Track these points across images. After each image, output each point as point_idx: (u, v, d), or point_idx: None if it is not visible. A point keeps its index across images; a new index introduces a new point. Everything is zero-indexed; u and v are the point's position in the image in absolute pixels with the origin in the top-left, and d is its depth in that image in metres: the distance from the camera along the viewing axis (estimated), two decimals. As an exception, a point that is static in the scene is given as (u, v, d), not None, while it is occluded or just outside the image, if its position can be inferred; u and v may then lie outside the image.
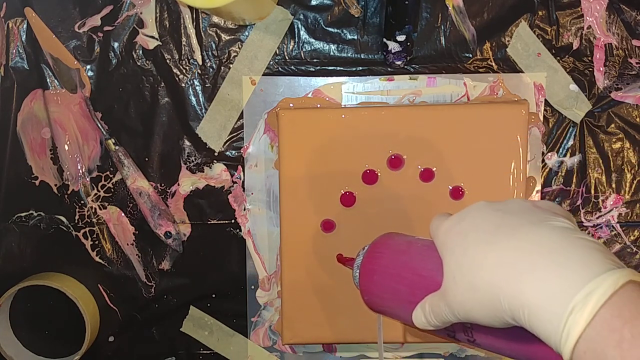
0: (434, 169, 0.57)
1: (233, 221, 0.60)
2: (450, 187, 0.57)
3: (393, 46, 0.56)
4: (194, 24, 0.58)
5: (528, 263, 0.32)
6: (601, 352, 0.30)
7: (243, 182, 0.60)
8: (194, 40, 0.58)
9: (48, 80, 0.58)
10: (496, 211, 0.36)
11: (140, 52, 0.58)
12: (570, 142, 0.59)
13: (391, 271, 0.41)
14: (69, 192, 0.60)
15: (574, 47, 0.57)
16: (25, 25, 0.58)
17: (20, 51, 0.58)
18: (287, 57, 0.58)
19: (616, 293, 0.30)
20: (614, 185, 0.59)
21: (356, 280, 0.44)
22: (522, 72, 0.58)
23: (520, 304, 0.32)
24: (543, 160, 0.59)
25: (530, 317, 0.32)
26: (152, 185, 0.59)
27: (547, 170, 0.59)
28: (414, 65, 0.58)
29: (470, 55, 0.58)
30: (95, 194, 0.60)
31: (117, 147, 0.58)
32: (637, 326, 0.30)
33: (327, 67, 0.58)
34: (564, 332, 0.30)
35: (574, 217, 0.59)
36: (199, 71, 0.58)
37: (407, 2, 0.54)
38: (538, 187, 0.59)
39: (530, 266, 0.32)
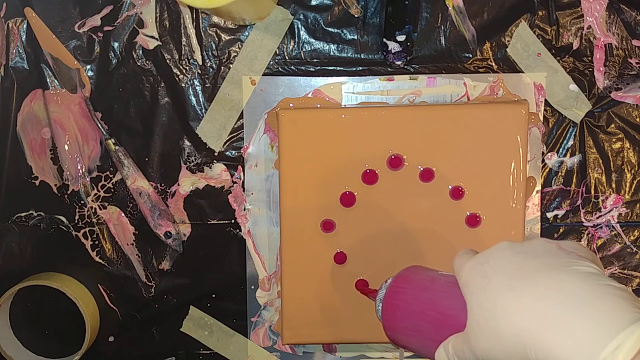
0: (434, 169, 0.57)
1: (233, 221, 0.60)
2: (450, 187, 0.57)
3: (393, 46, 0.56)
4: (194, 24, 0.58)
5: (552, 313, 0.32)
6: None
7: (243, 182, 0.60)
8: (194, 40, 0.58)
9: (48, 80, 0.58)
10: (518, 253, 0.35)
11: (140, 52, 0.58)
12: (570, 142, 0.59)
13: (415, 308, 0.40)
14: (69, 192, 0.60)
15: (574, 47, 0.57)
16: (25, 25, 0.58)
17: (20, 51, 0.58)
18: (287, 57, 0.58)
19: None
20: (614, 185, 0.59)
21: (379, 314, 0.43)
22: (522, 72, 0.58)
23: (546, 356, 0.31)
24: (543, 160, 0.59)
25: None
26: (152, 185, 0.59)
27: (547, 170, 0.59)
28: (414, 65, 0.58)
29: (470, 55, 0.58)
30: (95, 194, 0.60)
31: (117, 147, 0.58)
32: None
33: (327, 67, 0.58)
34: None
35: (574, 217, 0.59)
36: (199, 71, 0.58)
37: (407, 2, 0.54)
38: (538, 187, 0.59)
39: (555, 317, 0.32)
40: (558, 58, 0.58)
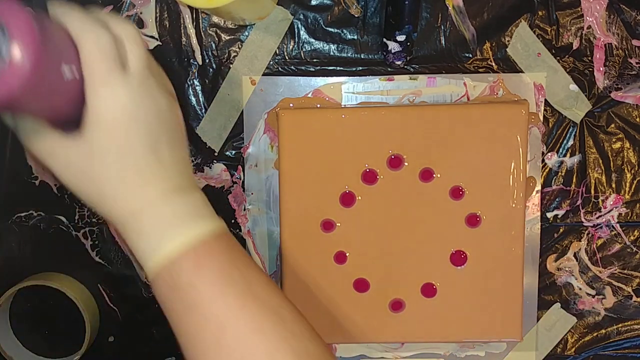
0: (434, 169, 0.57)
1: (233, 221, 0.60)
2: (450, 187, 0.57)
3: (393, 46, 0.56)
4: (194, 24, 0.58)
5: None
6: (178, 269, 0.37)
7: (243, 182, 0.60)
8: (194, 40, 0.58)
9: (48, 80, 0.58)
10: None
11: (140, 52, 0.58)
12: (570, 142, 0.59)
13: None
14: (69, 192, 0.60)
15: (574, 47, 0.57)
16: (25, 25, 0.58)
17: (20, 51, 0.58)
18: (287, 57, 0.58)
19: (211, 233, 0.39)
20: (614, 185, 0.59)
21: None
22: (522, 72, 0.58)
23: (134, 213, 0.38)
24: (543, 160, 0.59)
25: (138, 227, 0.38)
26: (152, 185, 0.59)
27: (547, 170, 0.59)
28: (414, 65, 0.58)
29: (470, 55, 0.58)
30: (95, 194, 0.60)
31: (117, 147, 0.58)
32: (213, 253, 0.38)
33: (327, 67, 0.58)
34: (161, 250, 0.38)
35: (574, 217, 0.59)
36: (199, 71, 0.58)
37: (407, 2, 0.54)
38: (538, 187, 0.59)
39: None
40: (558, 58, 0.58)
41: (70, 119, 0.38)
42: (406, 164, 0.57)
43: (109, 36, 0.37)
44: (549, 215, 0.60)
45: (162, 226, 0.38)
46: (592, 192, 0.59)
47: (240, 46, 0.58)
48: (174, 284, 0.38)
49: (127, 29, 0.38)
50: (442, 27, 0.57)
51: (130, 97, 0.37)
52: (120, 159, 0.38)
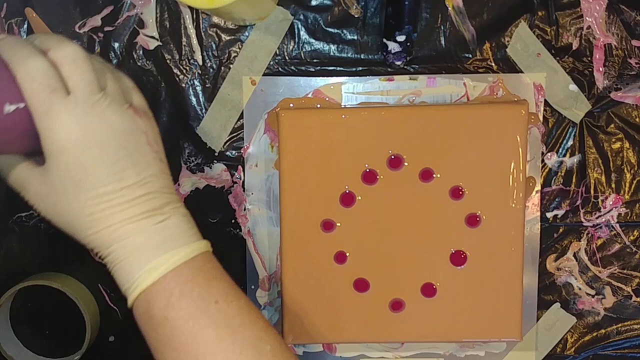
0: (434, 169, 0.57)
1: (233, 221, 0.60)
2: (450, 187, 0.57)
3: (393, 46, 0.56)
4: (194, 24, 0.58)
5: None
6: (152, 303, 0.37)
7: (243, 182, 0.60)
8: (194, 41, 0.58)
9: (48, 80, 0.58)
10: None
11: (141, 52, 0.58)
12: (570, 142, 0.59)
13: None
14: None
15: (574, 47, 0.57)
16: (25, 26, 0.58)
17: (21, 51, 0.58)
18: (287, 57, 0.58)
19: (186, 262, 0.38)
20: (613, 185, 0.59)
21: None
22: (521, 72, 0.58)
23: (109, 245, 0.38)
24: (543, 160, 0.59)
25: (113, 259, 0.38)
26: (152, 185, 0.59)
27: (546, 170, 0.59)
28: (414, 66, 0.58)
29: (470, 56, 0.58)
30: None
31: (117, 147, 0.58)
32: (186, 285, 0.37)
33: (327, 67, 0.58)
34: (135, 283, 0.38)
35: (574, 217, 0.60)
36: (199, 71, 0.58)
37: (407, 2, 0.54)
38: (538, 187, 0.59)
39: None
40: (558, 58, 0.58)
41: (39, 149, 0.37)
42: (406, 164, 0.57)
43: (41, 63, 0.35)
44: (549, 215, 0.60)
45: (134, 259, 0.37)
46: (592, 192, 0.59)
47: (240, 46, 0.58)
48: (150, 317, 0.37)
49: (64, 51, 0.35)
50: (442, 28, 0.57)
51: (77, 123, 0.35)
52: (80, 190, 0.36)
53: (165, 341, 0.37)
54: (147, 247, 0.37)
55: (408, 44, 0.56)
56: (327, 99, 0.58)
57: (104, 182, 0.36)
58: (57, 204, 0.37)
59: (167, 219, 0.38)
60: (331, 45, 0.58)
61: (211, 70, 0.58)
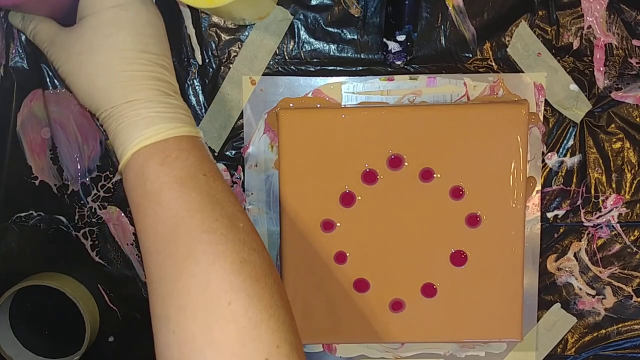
0: (434, 169, 0.57)
1: (233, 221, 0.60)
2: (450, 187, 0.57)
3: (393, 46, 0.56)
4: (194, 24, 0.58)
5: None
6: (149, 158, 0.40)
7: (243, 182, 0.60)
8: (194, 40, 0.58)
9: (48, 80, 0.58)
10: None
11: (140, 52, 0.58)
12: (571, 142, 0.59)
13: None
14: (68, 192, 0.60)
15: (574, 47, 0.57)
16: (25, 25, 0.58)
17: (20, 51, 0.58)
18: (287, 57, 0.58)
19: (187, 136, 0.41)
20: (614, 185, 0.59)
21: None
22: (522, 72, 0.58)
23: (120, 102, 0.40)
24: (543, 160, 0.59)
25: (121, 115, 0.41)
26: (152, 185, 0.59)
27: (547, 170, 0.59)
28: (414, 65, 0.58)
29: (470, 55, 0.58)
30: (95, 194, 0.60)
31: (117, 147, 0.58)
32: (183, 152, 0.40)
33: (327, 67, 0.58)
34: (139, 139, 0.40)
35: (574, 217, 0.59)
36: (199, 71, 0.58)
37: (407, 2, 0.54)
38: (538, 187, 0.59)
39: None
40: (558, 58, 0.58)
41: (72, 11, 0.41)
42: (406, 164, 0.57)
43: None
44: (549, 215, 0.60)
45: (144, 121, 0.40)
46: (592, 192, 0.59)
47: (240, 46, 0.58)
48: (140, 174, 0.40)
49: None
50: (442, 27, 0.57)
51: None
52: (109, 44, 0.40)
53: (150, 196, 0.40)
54: (157, 114, 0.41)
55: (408, 43, 0.56)
56: (327, 98, 0.58)
57: (130, 43, 0.41)
58: (83, 63, 0.41)
59: (175, 100, 0.43)
60: (331, 45, 0.58)
61: (211, 70, 0.58)
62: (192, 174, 0.40)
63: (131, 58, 0.41)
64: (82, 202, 0.60)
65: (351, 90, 0.58)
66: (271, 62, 0.58)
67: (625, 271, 0.60)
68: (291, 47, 0.58)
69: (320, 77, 0.58)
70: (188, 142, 0.41)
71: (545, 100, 0.58)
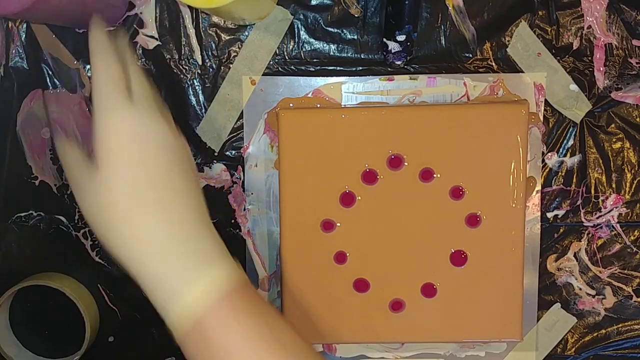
0: (434, 169, 0.57)
1: (233, 221, 0.60)
2: (450, 187, 0.57)
3: (393, 46, 0.56)
4: (194, 24, 0.58)
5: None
6: (206, 326, 0.37)
7: (243, 182, 0.60)
8: (194, 40, 0.58)
9: (48, 80, 0.58)
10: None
11: (140, 52, 0.58)
12: (571, 142, 0.59)
13: None
14: (68, 192, 0.60)
15: (574, 47, 0.57)
16: (25, 25, 0.58)
17: (20, 51, 0.58)
18: (287, 57, 0.58)
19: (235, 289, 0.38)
20: (614, 185, 0.59)
21: None
22: (522, 72, 0.58)
23: (135, 259, 0.37)
24: (543, 160, 0.59)
25: (150, 281, 0.37)
26: (152, 185, 0.59)
27: (547, 170, 0.59)
28: (414, 65, 0.58)
29: (470, 55, 0.58)
30: (95, 194, 0.60)
31: (116, 147, 0.58)
32: (241, 312, 0.37)
33: (327, 67, 0.58)
34: (178, 303, 0.37)
35: (574, 217, 0.59)
36: (199, 71, 0.58)
37: (407, 2, 0.54)
38: (538, 187, 0.59)
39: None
40: (558, 58, 0.58)
41: (74, 18, 0.42)
42: (406, 164, 0.57)
43: (119, 65, 0.38)
44: (549, 215, 0.60)
45: (182, 276, 0.36)
46: (592, 192, 0.59)
47: (240, 46, 0.58)
48: (205, 343, 0.37)
49: (134, 63, 0.40)
50: (442, 27, 0.57)
51: (138, 122, 0.36)
52: (128, 189, 0.36)
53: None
54: (194, 266, 0.37)
55: (408, 43, 0.56)
56: (327, 98, 0.58)
57: (154, 185, 0.37)
58: (101, 204, 0.37)
59: (211, 238, 0.39)
60: (331, 45, 0.58)
61: (211, 70, 0.58)
62: (257, 329, 0.37)
63: (156, 195, 0.37)
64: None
65: (351, 90, 0.58)
66: (271, 62, 0.58)
67: (625, 271, 0.60)
68: (291, 47, 0.58)
69: (320, 77, 0.58)
70: (237, 292, 0.38)
71: (545, 100, 0.58)
